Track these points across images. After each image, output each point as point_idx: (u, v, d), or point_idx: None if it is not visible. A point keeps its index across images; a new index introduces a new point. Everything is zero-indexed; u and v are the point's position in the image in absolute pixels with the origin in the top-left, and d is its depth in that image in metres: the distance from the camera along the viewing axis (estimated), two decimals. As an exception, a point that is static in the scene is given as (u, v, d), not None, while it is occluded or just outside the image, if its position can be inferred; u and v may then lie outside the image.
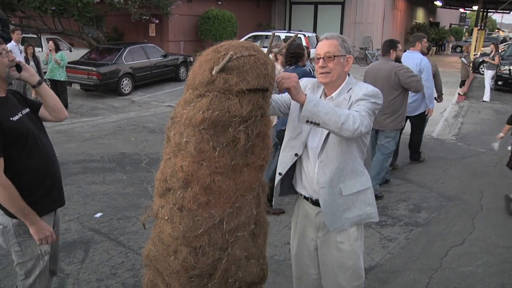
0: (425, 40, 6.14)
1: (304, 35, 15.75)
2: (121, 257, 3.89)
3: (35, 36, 14.95)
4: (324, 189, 2.29)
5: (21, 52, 9.42)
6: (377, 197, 5.11)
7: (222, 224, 2.03)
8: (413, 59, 5.84)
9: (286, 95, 2.32)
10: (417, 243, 4.27)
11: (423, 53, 6.07)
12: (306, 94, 1.99)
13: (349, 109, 2.18)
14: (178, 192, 1.99)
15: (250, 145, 2.00)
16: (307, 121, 2.00)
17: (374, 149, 5.48)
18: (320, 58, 2.24)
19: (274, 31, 2.25)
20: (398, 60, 5.32)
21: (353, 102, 2.20)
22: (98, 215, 4.72)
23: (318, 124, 2.00)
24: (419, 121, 6.32)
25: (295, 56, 4.75)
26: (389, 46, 5.25)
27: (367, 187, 2.39)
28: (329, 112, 1.96)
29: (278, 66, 6.19)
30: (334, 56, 2.23)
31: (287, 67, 4.84)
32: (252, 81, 1.88)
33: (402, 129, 5.51)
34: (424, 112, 6.17)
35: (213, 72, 1.86)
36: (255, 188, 2.10)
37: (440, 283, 3.63)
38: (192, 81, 1.93)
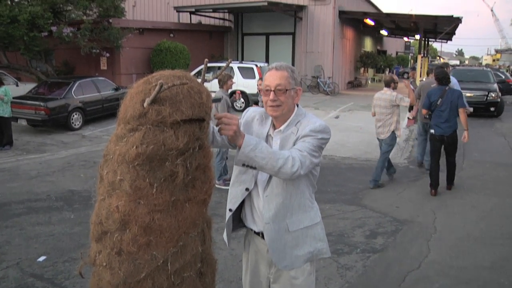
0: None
1: (256, 65, 15.89)
2: (66, 304, 3.62)
3: (-24, 70, 14.37)
4: (269, 224, 2.20)
5: None
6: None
7: (166, 265, 1.90)
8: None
9: None
10: (375, 270, 4.23)
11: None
12: (244, 137, 1.90)
13: (294, 143, 2.13)
14: (115, 234, 1.84)
15: (190, 179, 1.89)
16: (243, 164, 1.94)
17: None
18: (271, 91, 2.15)
19: (206, 59, 2.16)
20: None
21: (299, 136, 2.13)
22: (41, 258, 4.41)
23: (254, 168, 1.95)
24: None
25: (445, 78, 6.41)
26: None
27: (316, 222, 2.31)
28: (266, 157, 1.91)
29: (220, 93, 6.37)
30: (286, 90, 2.15)
31: (439, 86, 6.44)
32: (186, 111, 1.79)
33: None
34: None
35: (145, 104, 1.75)
36: (199, 224, 1.98)
37: (399, 310, 3.59)
38: (124, 115, 1.81)
